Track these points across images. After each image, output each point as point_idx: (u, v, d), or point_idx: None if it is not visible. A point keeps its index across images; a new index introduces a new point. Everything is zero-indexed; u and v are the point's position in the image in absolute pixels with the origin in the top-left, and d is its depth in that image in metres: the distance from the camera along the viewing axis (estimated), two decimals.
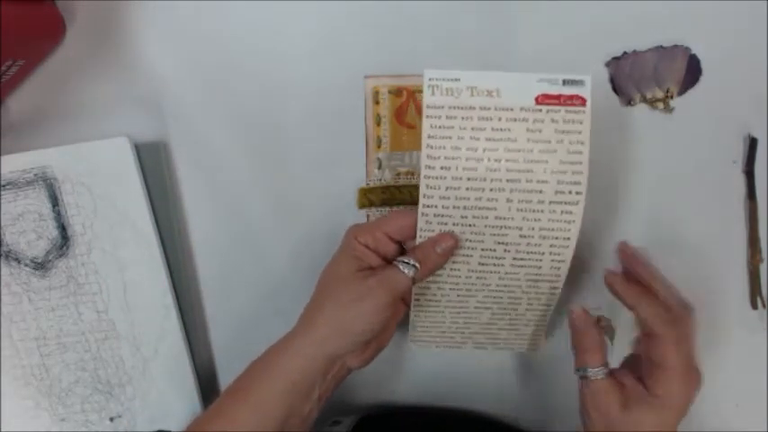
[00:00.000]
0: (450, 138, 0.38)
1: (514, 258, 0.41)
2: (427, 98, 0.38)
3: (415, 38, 0.48)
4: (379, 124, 0.49)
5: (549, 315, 0.45)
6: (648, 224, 0.49)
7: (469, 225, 0.40)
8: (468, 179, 0.38)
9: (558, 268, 0.42)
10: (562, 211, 0.39)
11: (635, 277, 0.41)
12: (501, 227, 0.40)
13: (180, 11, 0.47)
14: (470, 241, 0.41)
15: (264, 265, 0.50)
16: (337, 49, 0.48)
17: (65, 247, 0.48)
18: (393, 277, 0.40)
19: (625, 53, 0.48)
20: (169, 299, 0.48)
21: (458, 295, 0.43)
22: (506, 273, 0.42)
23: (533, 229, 0.40)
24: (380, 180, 0.50)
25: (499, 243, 0.40)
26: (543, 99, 0.39)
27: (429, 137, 0.38)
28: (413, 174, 0.50)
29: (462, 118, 0.38)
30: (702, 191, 0.50)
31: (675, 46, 0.48)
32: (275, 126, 0.49)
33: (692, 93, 0.49)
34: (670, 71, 0.49)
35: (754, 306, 0.51)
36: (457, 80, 0.38)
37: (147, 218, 0.47)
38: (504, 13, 0.48)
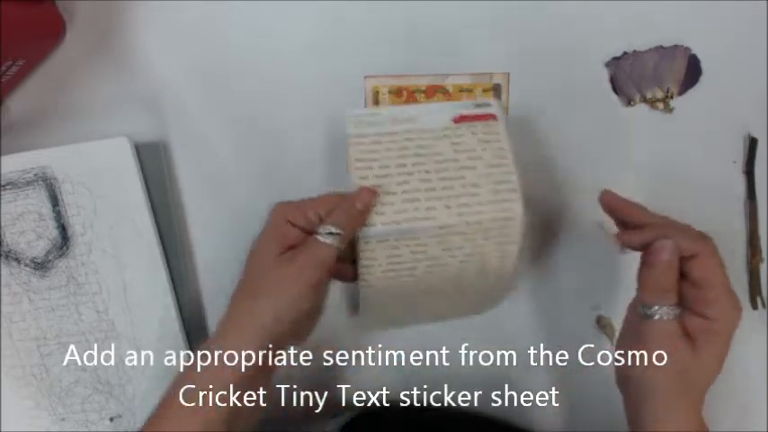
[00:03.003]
0: (378, 159, 0.41)
1: (461, 261, 0.42)
2: (349, 129, 0.41)
3: (415, 38, 0.48)
4: None
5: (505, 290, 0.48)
6: None
7: (412, 238, 0.40)
8: (403, 192, 0.40)
9: (504, 261, 0.42)
10: (502, 210, 0.40)
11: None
12: (444, 234, 0.40)
13: (180, 11, 0.47)
14: (414, 253, 0.41)
15: None
16: (337, 49, 0.48)
17: (65, 247, 0.48)
18: (317, 253, 0.38)
19: (625, 53, 0.48)
20: (169, 299, 0.48)
21: (405, 303, 0.43)
22: (453, 275, 0.42)
23: (477, 231, 0.40)
24: None
25: (444, 249, 0.41)
26: (460, 119, 0.42)
27: (357, 160, 0.41)
28: None
29: (388, 142, 0.41)
30: (702, 191, 0.50)
31: (675, 46, 0.48)
32: (275, 126, 0.49)
33: (691, 93, 0.49)
34: (670, 71, 0.49)
35: (754, 306, 0.51)
36: (378, 114, 0.42)
37: (147, 218, 0.47)
38: (504, 14, 0.48)
